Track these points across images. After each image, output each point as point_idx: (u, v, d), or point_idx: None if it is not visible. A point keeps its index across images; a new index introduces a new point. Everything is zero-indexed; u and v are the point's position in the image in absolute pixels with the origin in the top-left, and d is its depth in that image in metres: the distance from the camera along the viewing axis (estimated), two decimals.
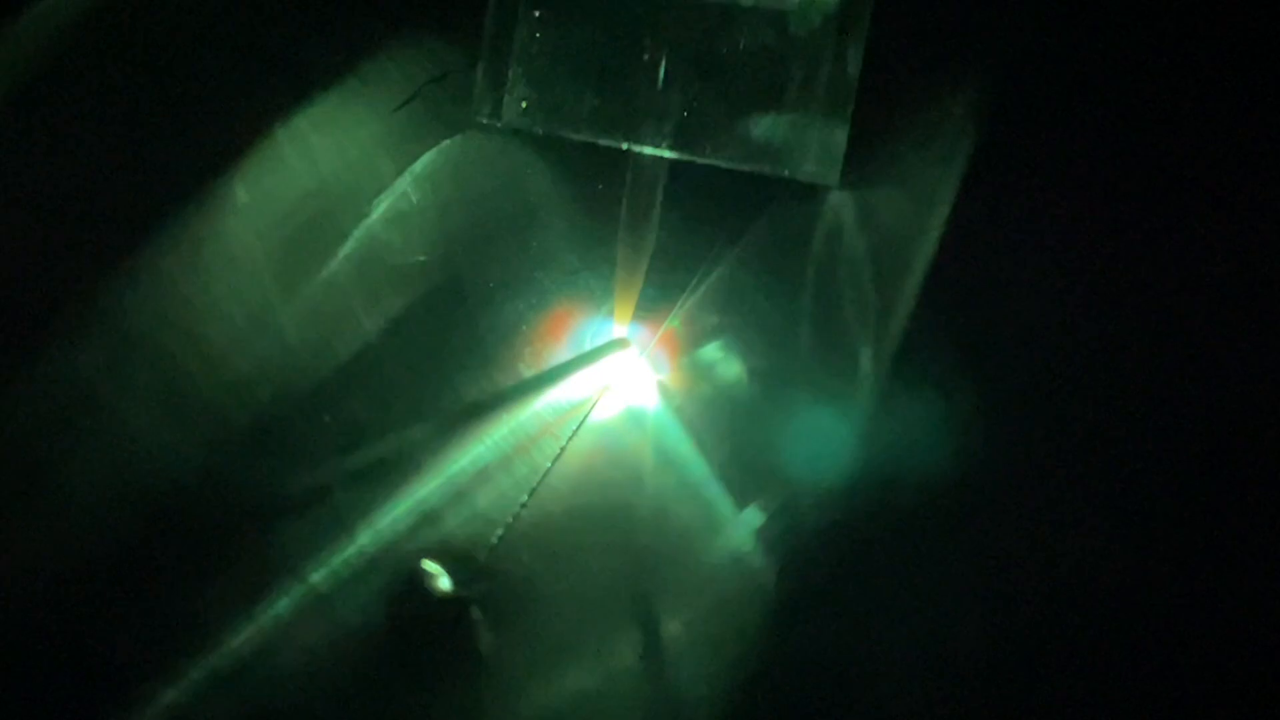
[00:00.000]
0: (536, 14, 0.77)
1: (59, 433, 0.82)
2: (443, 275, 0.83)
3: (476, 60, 0.80)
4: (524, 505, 0.82)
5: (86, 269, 0.82)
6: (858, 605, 0.82)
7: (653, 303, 0.82)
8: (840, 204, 0.81)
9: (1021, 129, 0.81)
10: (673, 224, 0.82)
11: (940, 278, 0.81)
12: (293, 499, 0.82)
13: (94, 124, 0.84)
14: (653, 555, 0.82)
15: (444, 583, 0.81)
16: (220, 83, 0.84)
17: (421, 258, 0.83)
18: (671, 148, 0.77)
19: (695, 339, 0.83)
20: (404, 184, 0.83)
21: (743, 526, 0.81)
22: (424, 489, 0.82)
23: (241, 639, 0.81)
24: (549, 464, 0.82)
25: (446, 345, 0.83)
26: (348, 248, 0.83)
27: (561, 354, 0.83)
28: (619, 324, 0.82)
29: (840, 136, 0.78)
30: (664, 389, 0.83)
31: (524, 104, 0.78)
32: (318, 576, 0.81)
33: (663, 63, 0.76)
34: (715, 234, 0.82)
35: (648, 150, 0.78)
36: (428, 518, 0.82)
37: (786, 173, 0.78)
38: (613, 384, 0.83)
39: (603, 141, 0.78)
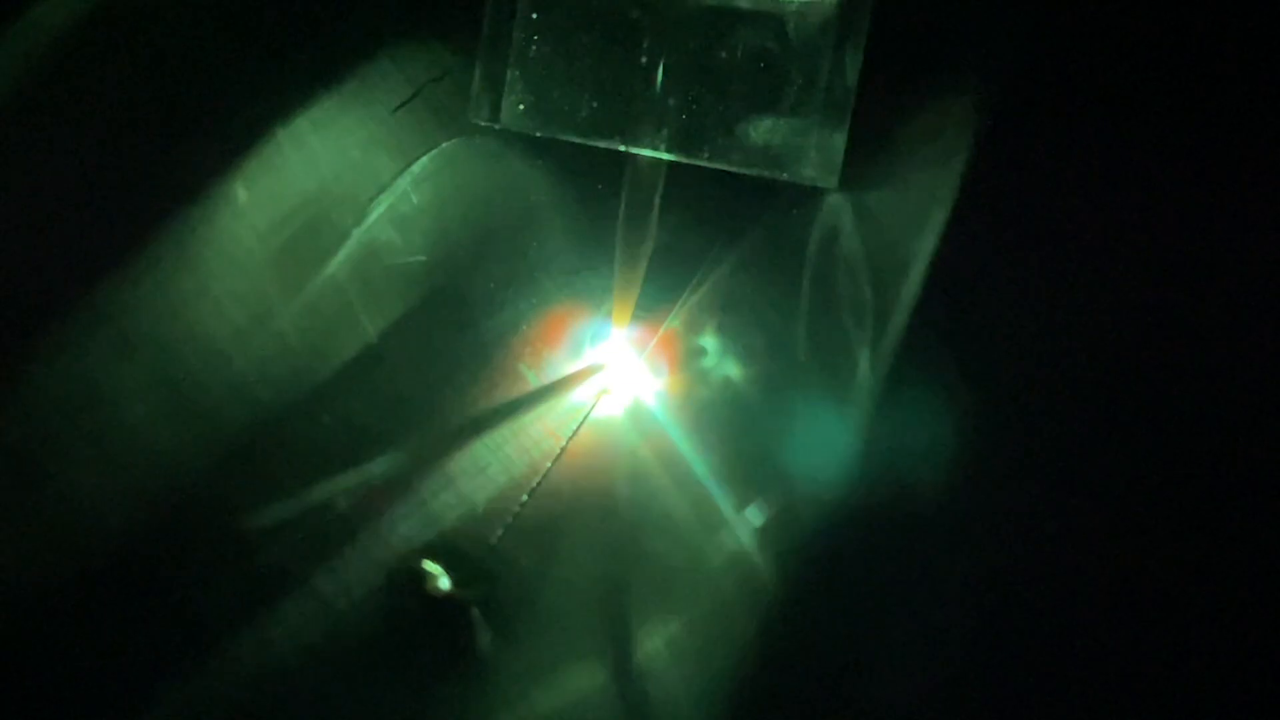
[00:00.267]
0: (534, 16, 0.77)
1: (59, 432, 0.82)
2: (442, 276, 0.83)
3: (474, 62, 0.79)
4: (524, 505, 0.82)
5: (86, 269, 0.82)
6: (857, 605, 0.82)
7: (651, 305, 0.82)
8: (838, 207, 0.81)
9: (1019, 132, 0.81)
10: (671, 226, 0.81)
11: (938, 280, 0.81)
12: (293, 499, 0.82)
13: (94, 124, 0.84)
14: (652, 556, 0.82)
15: (444, 583, 0.82)
16: (220, 83, 0.84)
17: (421, 258, 0.82)
18: (670, 150, 0.77)
19: (694, 341, 0.82)
20: (403, 185, 0.83)
21: (741, 527, 0.81)
22: (424, 489, 0.82)
23: (242, 639, 0.81)
24: (549, 464, 0.82)
25: (446, 346, 0.83)
26: (347, 248, 0.83)
27: (560, 355, 0.83)
28: (618, 326, 0.82)
29: (839, 140, 0.78)
30: (663, 390, 0.83)
31: (521, 106, 0.77)
32: (318, 576, 0.81)
33: (661, 65, 0.76)
34: (714, 236, 0.82)
35: (646, 153, 0.77)
36: (428, 518, 0.82)
37: (785, 176, 0.78)
38: (611, 386, 0.83)
39: (600, 144, 0.77)
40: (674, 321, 0.82)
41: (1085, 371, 0.81)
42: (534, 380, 0.83)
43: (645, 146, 0.77)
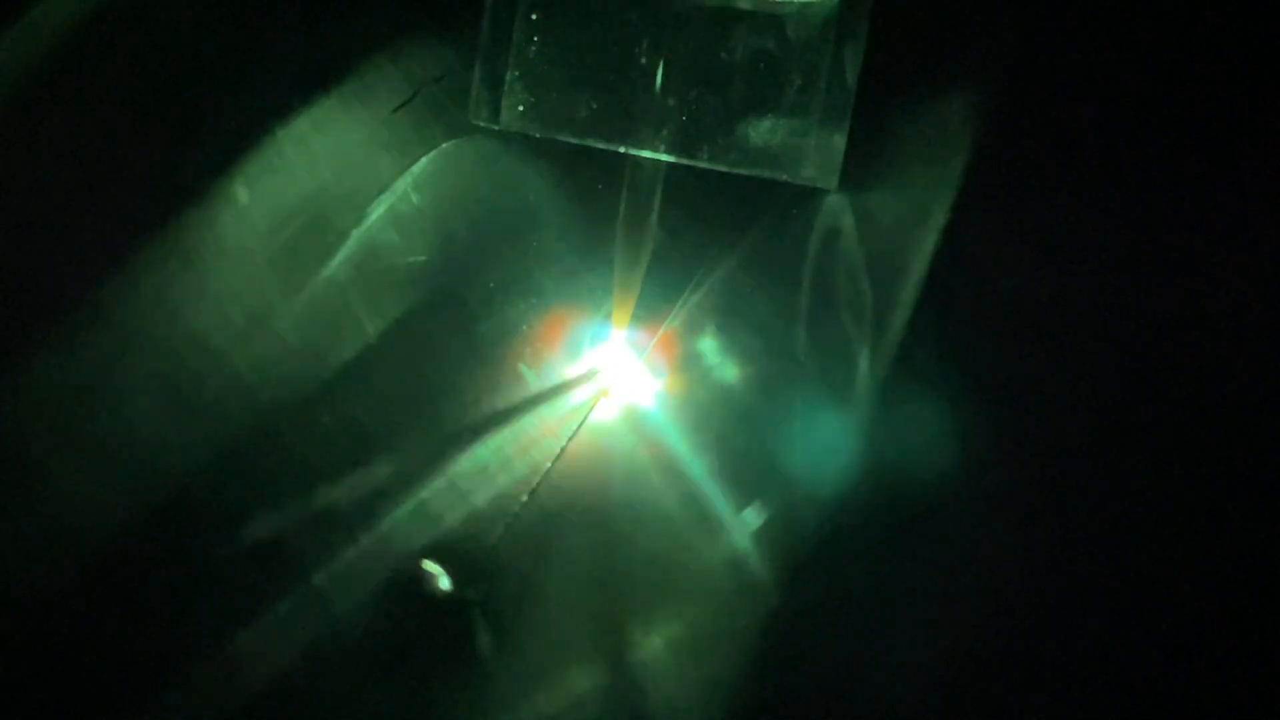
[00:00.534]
0: (534, 17, 0.77)
1: (59, 432, 0.82)
2: (442, 276, 0.83)
3: (474, 62, 0.79)
4: (524, 505, 0.82)
5: (86, 269, 0.82)
6: (855, 606, 0.82)
7: (651, 305, 0.82)
8: (838, 207, 0.81)
9: (1018, 132, 0.81)
10: (671, 226, 0.81)
11: (938, 281, 0.81)
12: (293, 499, 0.82)
13: (94, 124, 0.83)
14: (651, 556, 0.82)
15: (444, 583, 0.82)
16: (220, 83, 0.83)
17: (421, 258, 0.82)
18: (669, 151, 0.77)
19: (693, 342, 0.82)
20: (403, 185, 0.83)
21: (741, 528, 0.81)
22: (424, 489, 0.82)
23: (241, 639, 0.81)
24: (549, 464, 0.82)
25: (446, 346, 0.83)
26: (347, 248, 0.83)
27: (560, 356, 0.83)
28: (617, 326, 0.82)
29: (838, 141, 0.78)
30: (662, 391, 0.83)
31: (521, 107, 0.77)
32: (318, 576, 0.81)
33: (660, 66, 0.76)
34: (713, 237, 0.82)
35: (645, 154, 0.77)
36: (428, 518, 0.82)
37: (785, 177, 0.78)
38: (611, 387, 0.83)
39: (600, 145, 0.77)
40: (674, 322, 0.82)
41: (1085, 372, 0.81)
42: (534, 380, 0.83)
43: (645, 147, 0.77)
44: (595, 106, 0.77)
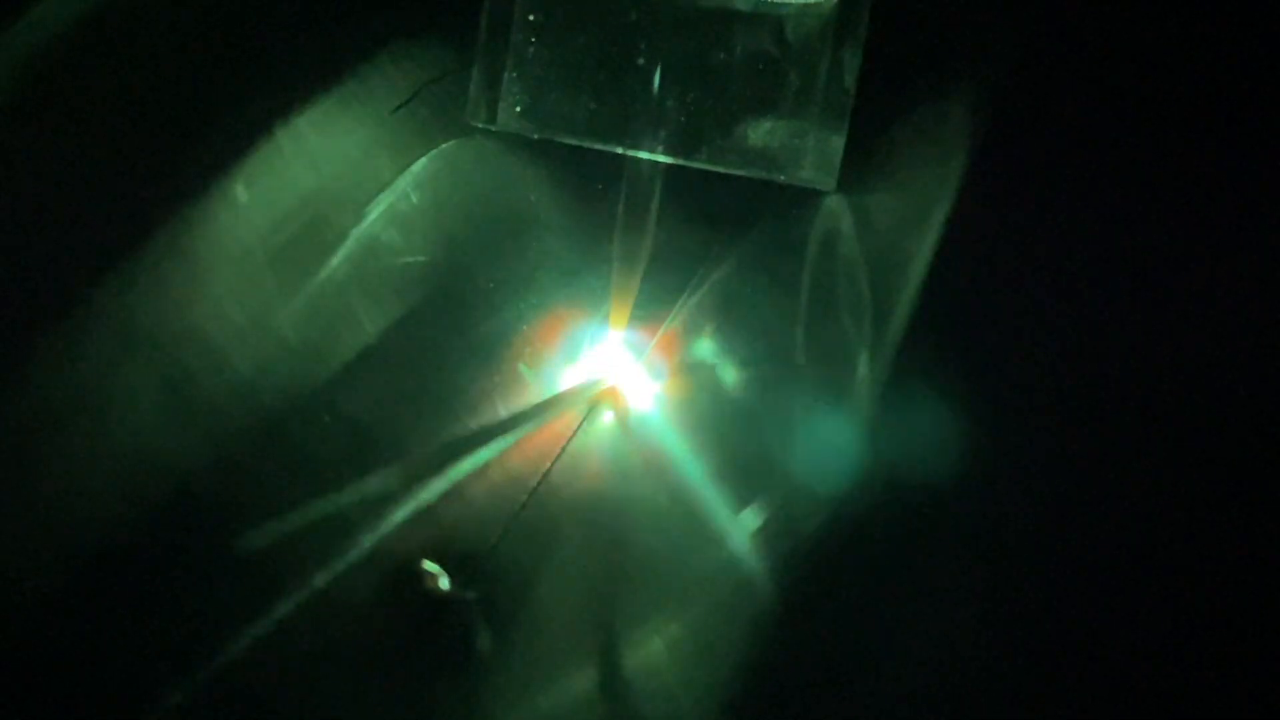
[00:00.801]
0: (531, 18, 0.76)
1: (59, 433, 0.82)
2: (442, 276, 0.83)
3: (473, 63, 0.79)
4: (524, 506, 0.82)
5: (86, 269, 0.82)
6: (854, 608, 0.82)
7: (649, 307, 0.82)
8: (836, 209, 0.81)
9: (1016, 133, 0.81)
10: (669, 228, 0.81)
11: (937, 282, 0.80)
12: (292, 498, 0.82)
13: (94, 124, 0.84)
14: (650, 557, 0.82)
15: (444, 583, 0.82)
16: (220, 83, 0.84)
17: (421, 258, 0.82)
18: (668, 153, 0.77)
19: (692, 343, 0.82)
20: (403, 185, 0.83)
21: (740, 529, 0.81)
22: (424, 489, 0.82)
23: (241, 639, 0.81)
24: (549, 465, 0.82)
25: (446, 346, 0.83)
26: (347, 248, 0.83)
27: (559, 358, 0.83)
28: (615, 328, 0.82)
29: (837, 142, 0.78)
30: (661, 393, 0.83)
31: (519, 108, 0.77)
32: (318, 576, 0.81)
33: (659, 68, 0.76)
34: (711, 238, 0.82)
35: (643, 155, 0.77)
36: (428, 518, 0.82)
37: (783, 178, 0.78)
38: (609, 388, 0.83)
39: (598, 146, 0.77)
40: (672, 323, 0.82)
41: (1085, 373, 0.81)
42: (533, 381, 0.83)
43: (643, 149, 0.77)
44: (593, 108, 0.77)
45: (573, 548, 0.82)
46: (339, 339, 0.83)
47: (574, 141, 0.78)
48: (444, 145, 0.83)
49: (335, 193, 0.83)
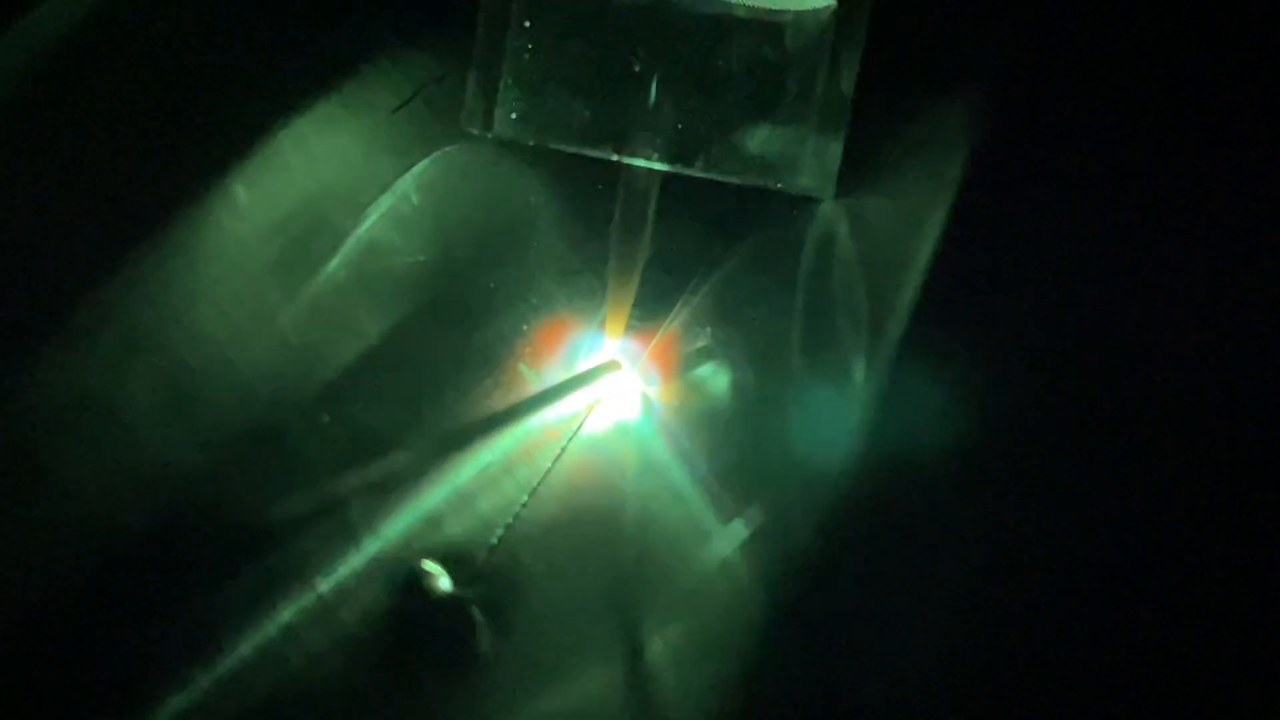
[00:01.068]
0: (527, 24, 0.76)
1: (59, 433, 0.82)
2: (441, 279, 0.83)
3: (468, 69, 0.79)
4: (524, 506, 0.82)
5: (86, 269, 0.82)
6: (851, 610, 0.82)
7: (645, 315, 0.82)
8: (834, 216, 0.81)
9: (1015, 141, 0.81)
10: (665, 235, 0.81)
11: (934, 290, 0.80)
12: (293, 500, 0.82)
13: (94, 124, 0.84)
14: (650, 558, 0.82)
15: (444, 583, 0.82)
16: (220, 83, 0.83)
17: (421, 258, 0.82)
18: (664, 160, 0.76)
19: (687, 351, 0.82)
20: (403, 186, 0.83)
21: (736, 532, 0.81)
22: (424, 490, 0.82)
23: (242, 640, 0.82)
24: (549, 465, 0.82)
25: (446, 346, 0.83)
26: (347, 249, 0.82)
27: (552, 366, 0.83)
28: (610, 336, 0.82)
29: (835, 150, 0.77)
30: (656, 401, 0.82)
31: (514, 115, 0.77)
32: (318, 576, 0.81)
33: (656, 74, 0.76)
34: (708, 245, 0.82)
35: (640, 162, 0.77)
36: (428, 518, 0.82)
37: (780, 186, 0.77)
38: (604, 397, 0.83)
39: (594, 153, 0.77)
40: (669, 328, 0.82)
41: (1082, 378, 0.81)
42: (533, 382, 0.83)
43: (639, 156, 0.77)
44: (589, 114, 0.76)
45: (573, 548, 0.83)
46: (339, 339, 0.83)
47: (569, 148, 0.77)
48: (445, 148, 0.82)
49: (336, 193, 0.83)
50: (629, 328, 0.82)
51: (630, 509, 0.82)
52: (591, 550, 0.83)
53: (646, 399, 0.83)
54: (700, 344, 0.82)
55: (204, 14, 0.83)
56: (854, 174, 0.79)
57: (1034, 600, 0.82)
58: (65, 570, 0.82)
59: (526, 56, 0.77)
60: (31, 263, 0.83)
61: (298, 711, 0.82)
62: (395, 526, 0.82)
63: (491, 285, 0.83)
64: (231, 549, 0.82)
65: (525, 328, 0.83)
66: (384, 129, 0.83)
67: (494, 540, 0.82)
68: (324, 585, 0.82)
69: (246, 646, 0.82)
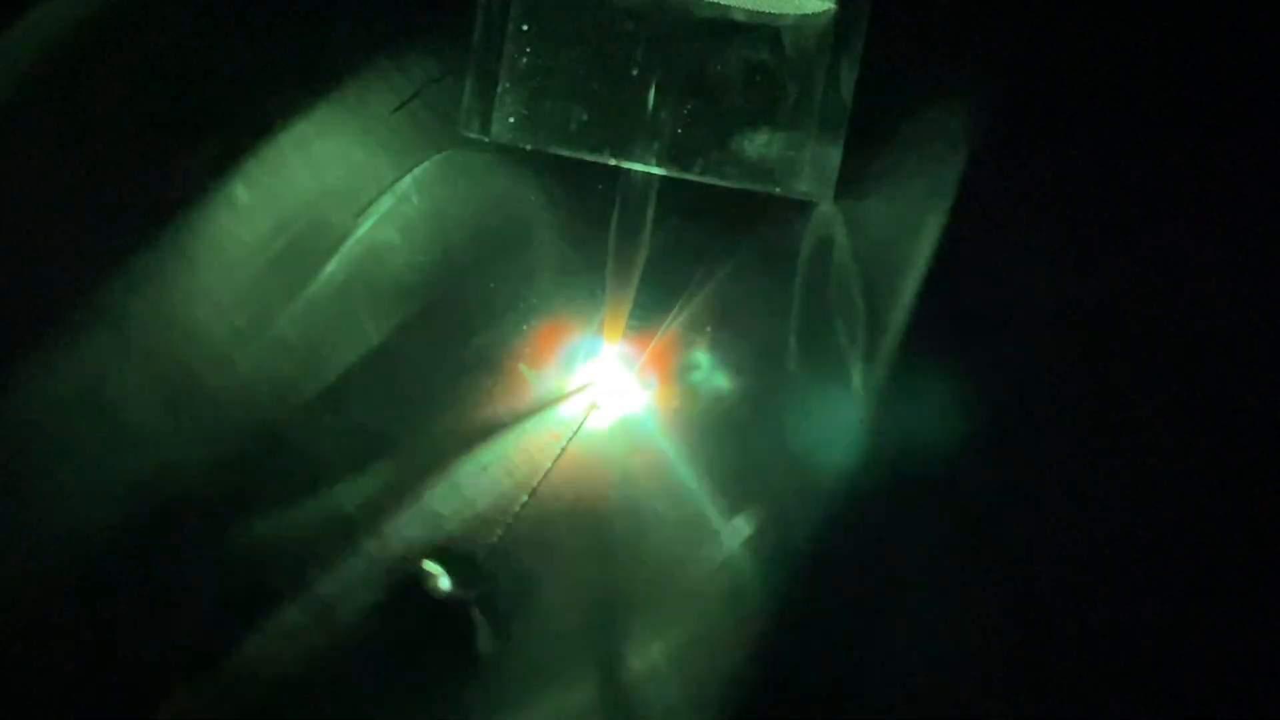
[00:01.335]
0: (525, 28, 0.76)
1: (59, 433, 0.82)
2: (438, 282, 0.83)
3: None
4: (523, 507, 0.82)
5: (86, 269, 0.82)
6: (848, 612, 0.82)
7: (644, 317, 0.82)
8: (831, 220, 0.81)
9: (1013, 145, 0.81)
10: (663, 238, 0.81)
11: (931, 293, 0.80)
12: (292, 499, 0.82)
13: (94, 124, 0.83)
14: (648, 559, 0.82)
15: (444, 583, 0.82)
16: (220, 83, 0.83)
17: (421, 259, 0.82)
18: (662, 165, 0.76)
19: (686, 350, 0.82)
20: (403, 187, 0.83)
21: (734, 534, 0.81)
22: (425, 490, 0.82)
23: (241, 639, 0.82)
24: (548, 465, 0.82)
25: (447, 347, 0.83)
26: (347, 250, 0.82)
27: (552, 367, 0.83)
28: (609, 339, 0.82)
29: (834, 154, 0.77)
30: (656, 399, 0.82)
31: (512, 119, 0.77)
32: (318, 577, 0.82)
33: (654, 79, 0.75)
34: (706, 249, 0.82)
35: (638, 167, 0.77)
36: (428, 519, 0.82)
37: (779, 190, 0.77)
38: (603, 399, 0.83)
39: (592, 158, 0.77)
40: (667, 331, 0.82)
41: (1080, 380, 0.81)
42: (533, 382, 0.83)
43: (637, 160, 0.76)
44: (587, 119, 0.76)
45: (572, 548, 0.83)
46: (339, 340, 0.83)
47: (567, 153, 0.77)
48: (444, 150, 0.82)
49: (336, 194, 0.83)
50: (628, 330, 0.82)
51: (630, 509, 0.82)
52: (591, 550, 0.83)
53: (645, 400, 0.83)
54: (699, 345, 0.82)
55: (204, 14, 0.83)
56: (852, 178, 0.79)
57: (1033, 598, 0.82)
58: (65, 570, 0.82)
59: (524, 60, 0.77)
60: (31, 263, 0.83)
61: (298, 711, 0.82)
62: (395, 527, 0.82)
63: (491, 286, 0.83)
64: (231, 549, 0.82)
65: (524, 329, 0.83)
66: (384, 130, 0.83)
67: (494, 540, 0.82)
68: (324, 585, 0.81)
69: (245, 646, 0.82)
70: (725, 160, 0.76)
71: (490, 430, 0.82)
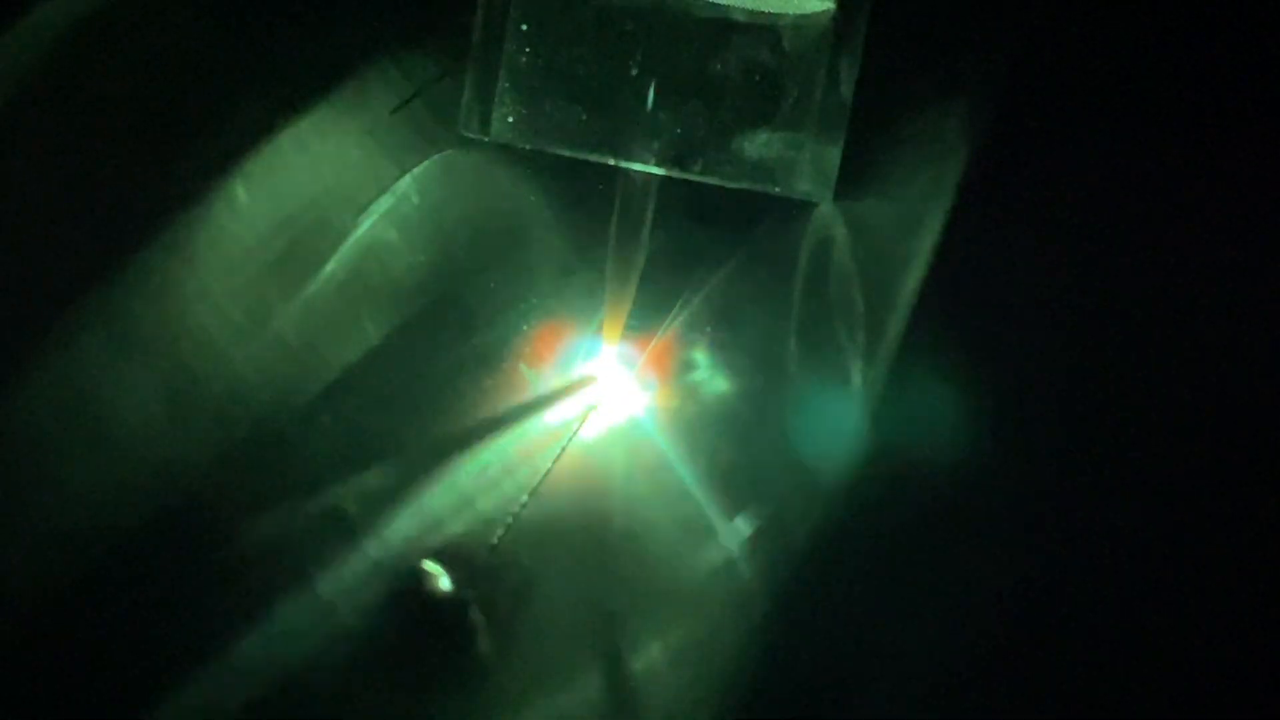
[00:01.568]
0: (525, 28, 0.76)
1: (59, 433, 0.82)
2: (438, 282, 0.83)
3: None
4: (523, 507, 0.82)
5: (86, 269, 0.82)
6: (847, 613, 0.82)
7: (643, 317, 0.82)
8: (831, 220, 0.81)
9: (1013, 145, 0.81)
10: (663, 238, 0.81)
11: (931, 294, 0.80)
12: (293, 500, 0.82)
13: (94, 124, 0.83)
14: (648, 560, 0.82)
15: (444, 583, 0.82)
16: (220, 83, 0.83)
17: (420, 258, 0.82)
18: (662, 164, 0.76)
19: (686, 351, 0.82)
20: (403, 187, 0.83)
21: (733, 535, 0.81)
22: (424, 490, 0.82)
23: (241, 639, 0.82)
24: (548, 466, 0.82)
25: (446, 347, 0.83)
26: (347, 249, 0.82)
27: (551, 367, 0.83)
28: (609, 339, 0.82)
29: (833, 154, 0.77)
30: (654, 404, 0.82)
31: (511, 119, 0.77)
32: (318, 577, 0.82)
33: (654, 78, 0.75)
34: (705, 249, 0.82)
35: (637, 167, 0.77)
36: (428, 519, 0.82)
37: (779, 190, 0.77)
38: (603, 399, 0.83)
39: (591, 157, 0.77)
40: (666, 332, 0.82)
41: (1080, 381, 0.81)
42: (533, 382, 0.83)
43: (637, 160, 0.76)
44: (586, 119, 0.76)
45: (572, 549, 0.83)
46: (339, 340, 0.83)
47: (566, 153, 0.77)
48: (444, 149, 0.82)
49: (335, 194, 0.83)
50: (628, 330, 0.82)
51: (629, 510, 0.82)
52: (591, 551, 0.83)
53: (645, 400, 0.83)
54: (699, 346, 0.82)
55: (204, 14, 0.83)
56: (852, 178, 0.79)
57: (1034, 599, 0.82)
58: (65, 570, 0.82)
59: (523, 61, 0.76)
60: (31, 263, 0.83)
61: (298, 711, 0.82)
62: (395, 527, 0.82)
63: (491, 286, 0.83)
64: (231, 549, 0.82)
65: (524, 329, 0.83)
66: (383, 130, 0.83)
67: (494, 540, 0.82)
68: (323, 585, 0.81)
69: (245, 646, 0.82)
70: (725, 160, 0.76)
71: (490, 430, 0.82)
